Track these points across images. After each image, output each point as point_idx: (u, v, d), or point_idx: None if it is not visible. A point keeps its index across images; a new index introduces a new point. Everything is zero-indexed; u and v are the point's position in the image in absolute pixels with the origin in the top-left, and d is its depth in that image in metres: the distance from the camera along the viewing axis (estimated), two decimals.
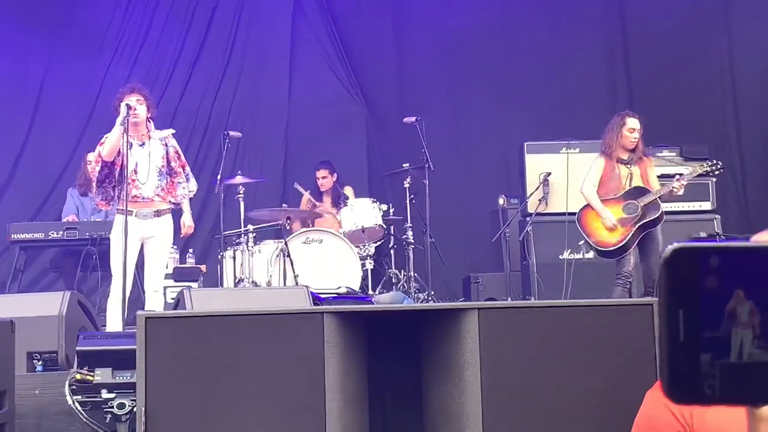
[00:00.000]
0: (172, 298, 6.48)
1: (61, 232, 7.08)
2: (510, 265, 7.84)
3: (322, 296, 6.41)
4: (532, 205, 7.64)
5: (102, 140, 5.85)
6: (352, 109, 9.60)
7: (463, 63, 9.68)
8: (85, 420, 3.93)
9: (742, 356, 0.74)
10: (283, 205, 8.05)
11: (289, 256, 6.87)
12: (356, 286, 7.14)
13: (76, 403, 3.92)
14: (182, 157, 6.14)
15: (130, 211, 5.64)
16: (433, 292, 7.46)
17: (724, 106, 9.57)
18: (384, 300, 6.96)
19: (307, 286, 5.35)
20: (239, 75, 9.61)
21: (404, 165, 7.66)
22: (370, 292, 7.35)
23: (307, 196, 8.24)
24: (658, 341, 0.75)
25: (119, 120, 5.66)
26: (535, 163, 7.79)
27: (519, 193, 8.03)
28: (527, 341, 2.81)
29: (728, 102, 9.57)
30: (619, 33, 9.76)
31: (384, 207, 7.66)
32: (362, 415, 2.86)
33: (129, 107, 5.66)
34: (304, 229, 7.47)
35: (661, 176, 7.05)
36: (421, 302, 7.08)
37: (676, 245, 0.75)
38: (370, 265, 7.52)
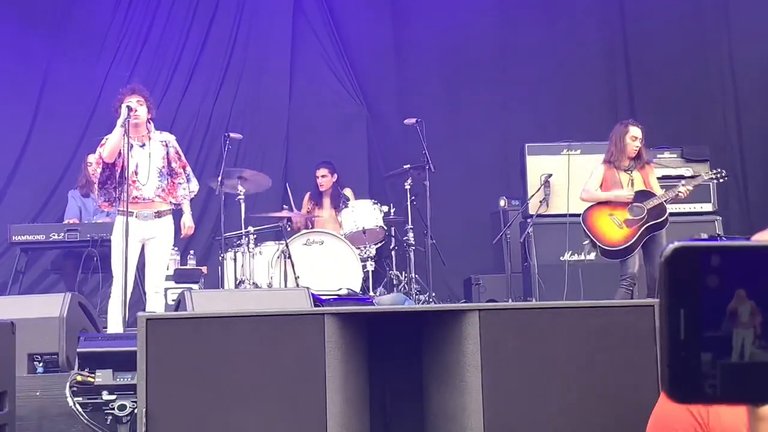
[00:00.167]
0: (173, 300, 6.48)
1: (62, 234, 7.08)
2: (511, 267, 7.84)
3: (323, 298, 6.41)
4: (533, 207, 7.64)
5: (102, 141, 5.85)
6: (353, 110, 9.60)
7: (463, 64, 9.68)
8: (86, 421, 3.93)
9: (744, 356, 0.74)
10: (284, 206, 8.05)
11: (290, 257, 6.87)
12: (357, 288, 7.13)
13: (77, 405, 3.92)
14: (183, 157, 6.13)
15: (130, 212, 5.64)
16: (434, 294, 7.45)
17: (725, 107, 9.57)
18: (385, 301, 6.95)
19: (307, 288, 5.35)
20: (240, 76, 9.61)
21: (405, 166, 7.66)
22: (371, 293, 7.35)
23: (306, 197, 8.24)
24: (658, 340, 0.75)
25: (120, 121, 5.66)
26: (536, 165, 7.79)
27: (520, 194, 8.02)
28: (528, 342, 2.81)
29: (729, 103, 9.57)
30: (619, 34, 9.76)
31: (385, 208, 7.65)
32: (363, 416, 2.86)
33: (130, 109, 5.66)
34: (305, 231, 7.47)
35: (663, 177, 7.05)
36: (422, 304, 7.08)
37: (676, 244, 0.75)
38: (371, 266, 7.51)
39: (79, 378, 3.91)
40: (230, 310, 3.39)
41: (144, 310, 5.58)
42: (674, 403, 0.75)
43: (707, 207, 7.74)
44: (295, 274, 6.81)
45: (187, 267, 7.86)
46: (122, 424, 3.87)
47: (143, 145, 5.91)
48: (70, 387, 3.93)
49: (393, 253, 7.89)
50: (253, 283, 6.98)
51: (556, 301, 5.66)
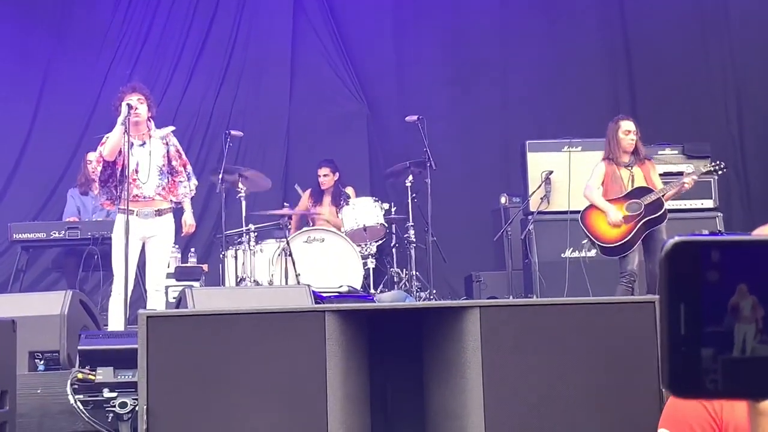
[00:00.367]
0: (174, 298, 6.48)
1: (63, 232, 7.08)
2: (512, 264, 7.84)
3: (324, 295, 6.41)
4: (533, 204, 7.64)
5: (103, 140, 5.85)
6: (354, 107, 9.59)
7: (464, 61, 9.67)
8: (87, 419, 3.93)
9: (745, 351, 0.74)
10: (285, 204, 8.05)
11: (290, 255, 6.87)
12: (358, 285, 7.13)
13: (78, 403, 3.92)
14: (183, 155, 6.13)
15: (131, 210, 5.64)
16: (434, 291, 7.45)
17: (726, 103, 9.56)
18: (386, 299, 6.95)
19: (308, 285, 5.35)
20: (240, 74, 9.60)
21: (406, 163, 7.65)
22: (372, 291, 7.35)
23: (307, 194, 8.24)
24: (659, 335, 0.74)
25: (120, 119, 5.65)
26: (537, 162, 7.79)
27: (521, 191, 8.02)
28: (529, 339, 2.80)
29: (730, 99, 9.56)
30: (619, 32, 9.75)
31: (385, 206, 7.65)
32: (364, 413, 2.86)
33: (130, 107, 5.66)
34: (306, 228, 7.47)
35: (664, 174, 7.04)
36: (423, 301, 7.07)
37: (676, 239, 0.75)
38: (371, 263, 7.51)
39: (80, 375, 3.91)
40: (231, 308, 3.39)
41: (145, 307, 5.58)
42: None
43: (708, 203, 7.73)
44: (296, 271, 6.81)
45: (188, 265, 7.87)
46: (123, 422, 3.87)
47: (143, 144, 5.90)
48: (71, 385, 3.93)
49: (394, 250, 7.89)
50: (254, 280, 6.99)
51: (556, 298, 5.65)
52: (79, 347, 4.06)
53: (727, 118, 9.53)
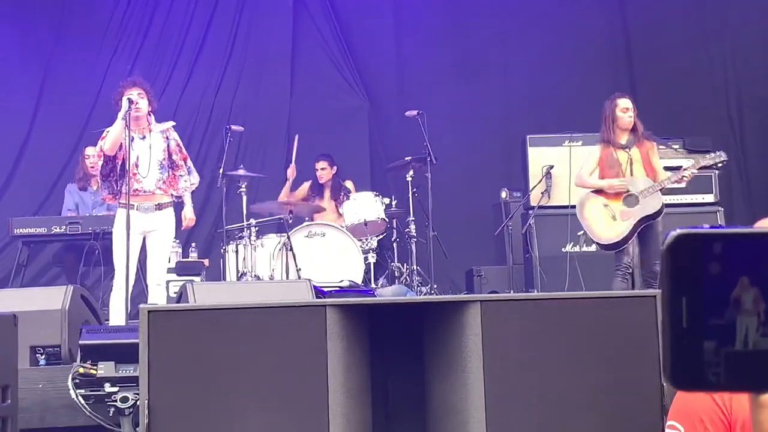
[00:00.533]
0: (175, 292, 6.49)
1: (64, 227, 7.09)
2: (512, 258, 7.83)
3: (325, 289, 6.41)
4: (534, 198, 7.63)
5: (103, 134, 5.85)
6: (354, 102, 9.58)
7: (464, 56, 9.66)
8: (88, 414, 3.94)
9: (748, 344, 0.74)
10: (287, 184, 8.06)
11: (291, 249, 6.86)
12: (359, 280, 7.13)
13: (80, 397, 3.93)
14: (183, 149, 6.13)
15: (131, 204, 5.64)
16: (435, 286, 7.46)
17: (727, 97, 9.55)
18: (387, 293, 6.96)
19: (309, 280, 5.35)
20: (241, 68, 9.59)
21: (406, 158, 7.65)
22: (373, 285, 7.35)
23: (307, 185, 8.24)
24: (660, 328, 0.74)
25: (121, 114, 5.65)
26: (538, 156, 7.78)
27: (521, 186, 8.01)
28: (530, 333, 2.81)
29: (731, 93, 9.55)
30: (620, 25, 9.73)
31: (386, 200, 7.65)
32: (365, 407, 2.86)
33: (131, 101, 5.66)
34: (307, 223, 7.46)
35: (664, 168, 7.02)
36: (424, 295, 7.07)
37: (678, 231, 0.75)
38: (372, 258, 7.51)
39: (81, 370, 3.92)
40: (232, 303, 3.39)
41: (146, 302, 5.59)
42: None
43: (709, 198, 7.72)
44: (296, 266, 6.80)
45: (189, 259, 7.88)
46: (124, 416, 3.88)
47: (144, 138, 5.90)
48: (73, 379, 3.94)
49: (395, 245, 7.89)
50: (255, 275, 6.99)
51: (557, 293, 5.65)
52: (80, 342, 4.07)
53: (729, 112, 9.52)
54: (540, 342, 2.80)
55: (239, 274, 7.04)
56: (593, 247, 7.00)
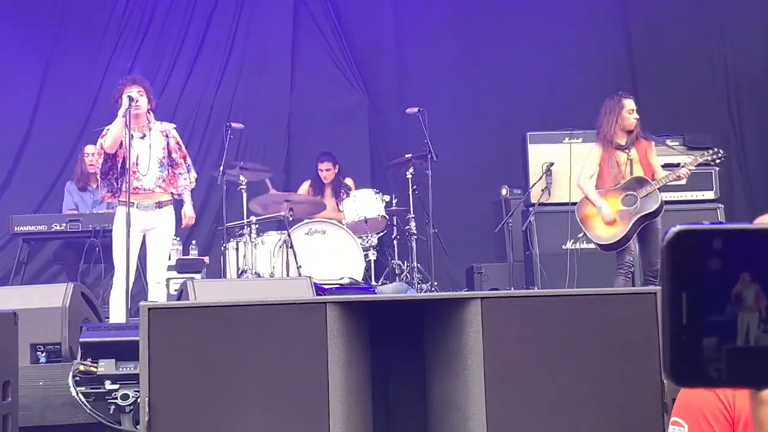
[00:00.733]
0: (176, 290, 6.49)
1: (64, 224, 7.09)
2: (513, 256, 7.84)
3: (325, 287, 6.41)
4: (534, 196, 7.63)
5: (103, 132, 5.85)
6: (354, 99, 9.58)
7: (465, 53, 9.65)
8: (88, 411, 3.94)
9: (749, 340, 0.73)
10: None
11: (292, 247, 6.86)
12: (359, 277, 7.13)
13: (80, 395, 3.93)
14: (183, 147, 6.13)
15: (131, 202, 5.64)
16: (436, 283, 7.45)
17: (727, 94, 9.54)
18: (387, 291, 6.95)
19: (310, 277, 5.35)
20: (241, 67, 9.59)
21: (407, 155, 7.65)
22: (373, 282, 7.35)
23: (307, 185, 8.23)
24: (660, 324, 0.74)
25: (121, 112, 5.66)
26: (538, 153, 7.78)
27: (522, 183, 8.01)
28: (530, 330, 2.80)
29: (731, 90, 9.54)
30: (621, 22, 9.72)
31: (386, 198, 7.64)
32: (365, 404, 2.86)
33: (131, 99, 5.66)
34: (307, 221, 7.46)
35: (664, 166, 7.02)
36: (424, 293, 7.07)
37: (678, 227, 0.74)
38: (372, 255, 7.51)
39: (81, 368, 3.92)
40: (232, 300, 3.39)
41: (146, 300, 5.59)
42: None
43: (709, 195, 7.72)
44: (297, 263, 6.81)
45: (190, 257, 7.88)
46: (125, 414, 3.88)
47: (143, 136, 5.91)
48: (73, 377, 3.94)
49: (395, 242, 7.89)
50: (256, 272, 6.99)
51: (558, 290, 5.65)
52: (80, 339, 4.07)
53: (729, 108, 9.51)
54: (540, 339, 2.80)
55: (240, 272, 7.04)
56: (593, 245, 7.00)
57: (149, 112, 5.94)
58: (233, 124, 7.33)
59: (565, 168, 7.58)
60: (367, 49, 9.71)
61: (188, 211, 6.29)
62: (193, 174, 6.15)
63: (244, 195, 7.21)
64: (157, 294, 5.89)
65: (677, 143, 7.81)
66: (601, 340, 2.82)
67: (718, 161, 6.61)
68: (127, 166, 5.66)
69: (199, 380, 2.71)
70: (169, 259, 6.68)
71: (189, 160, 6.15)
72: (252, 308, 2.80)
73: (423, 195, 7.52)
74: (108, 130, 5.76)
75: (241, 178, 7.20)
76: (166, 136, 5.99)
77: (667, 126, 8.01)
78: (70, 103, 9.22)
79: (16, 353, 3.52)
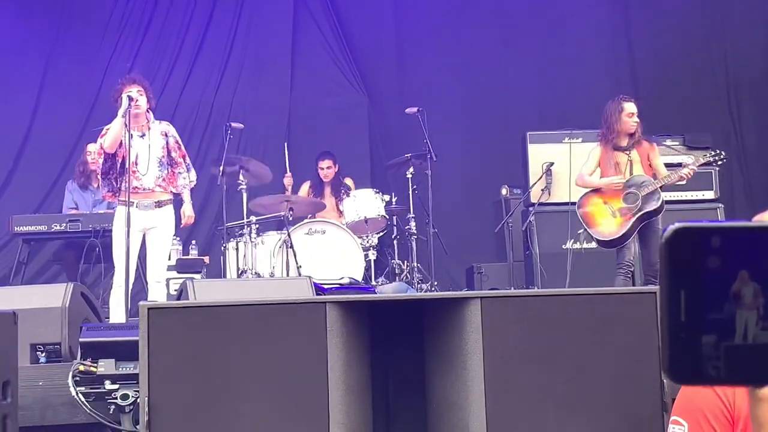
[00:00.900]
0: (175, 290, 6.48)
1: (64, 225, 7.09)
2: (513, 255, 7.84)
3: (325, 287, 6.41)
4: (534, 195, 7.63)
5: (103, 132, 5.85)
6: (354, 99, 9.58)
7: (464, 52, 9.65)
8: (88, 411, 3.94)
9: (747, 337, 0.73)
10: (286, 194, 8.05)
11: (292, 247, 6.86)
12: (359, 277, 7.13)
13: (80, 395, 3.93)
14: (182, 147, 6.14)
15: (131, 202, 5.64)
16: (436, 283, 7.46)
17: (728, 94, 9.54)
18: (387, 290, 6.95)
19: (309, 277, 5.34)
20: (241, 66, 9.59)
21: (406, 155, 7.65)
22: (373, 282, 7.35)
23: (306, 186, 8.23)
24: (659, 322, 0.74)
25: (121, 111, 5.66)
26: (538, 153, 7.78)
27: (522, 183, 8.01)
28: (530, 330, 2.80)
29: (731, 90, 9.54)
30: (621, 21, 9.72)
31: (386, 197, 7.64)
32: (365, 404, 2.86)
33: (131, 99, 5.66)
34: (307, 220, 7.46)
35: (665, 165, 7.02)
36: (424, 292, 7.07)
37: (677, 224, 0.74)
38: (372, 255, 7.51)
39: (81, 368, 3.92)
40: (232, 300, 3.39)
41: (146, 299, 5.59)
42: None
43: (709, 194, 7.72)
44: (297, 263, 6.80)
45: (190, 257, 7.88)
46: (125, 414, 3.88)
47: (143, 135, 5.91)
48: (73, 377, 3.94)
49: (395, 242, 7.89)
50: (256, 272, 6.98)
51: (558, 289, 5.65)
52: (80, 339, 4.07)
53: (730, 108, 9.51)
54: (540, 339, 2.80)
55: (239, 272, 7.04)
56: (593, 244, 7.00)
57: (149, 112, 5.95)
58: (233, 124, 7.33)
59: (565, 168, 7.58)
60: (367, 49, 9.71)
61: (187, 211, 6.29)
62: (193, 173, 6.16)
63: (244, 195, 7.21)
64: (157, 294, 5.89)
65: (677, 143, 7.81)
66: (601, 339, 2.82)
67: (719, 162, 6.63)
68: (127, 166, 5.66)
69: (199, 380, 2.71)
70: (169, 258, 6.67)
71: (188, 160, 6.16)
72: (252, 308, 2.80)
73: (423, 195, 7.52)
74: (108, 129, 5.76)
75: (241, 178, 7.19)
76: (165, 135, 5.99)
77: (667, 126, 8.02)
78: (70, 102, 9.22)
79: (16, 353, 3.51)
